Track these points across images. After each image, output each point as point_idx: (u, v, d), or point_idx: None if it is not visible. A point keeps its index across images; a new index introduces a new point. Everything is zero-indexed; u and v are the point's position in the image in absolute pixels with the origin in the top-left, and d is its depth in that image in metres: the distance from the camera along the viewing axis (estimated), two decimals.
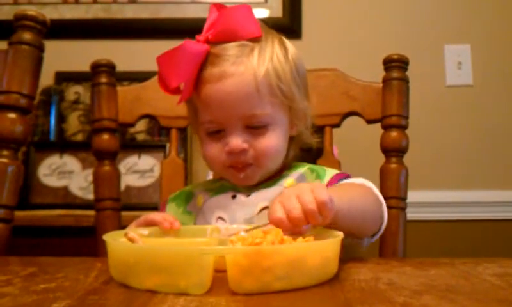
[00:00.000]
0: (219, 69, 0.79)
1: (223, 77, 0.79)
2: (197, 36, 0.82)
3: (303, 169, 0.90)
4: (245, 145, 0.81)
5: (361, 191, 0.81)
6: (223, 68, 0.79)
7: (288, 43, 0.88)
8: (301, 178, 0.88)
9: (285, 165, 0.91)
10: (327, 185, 0.84)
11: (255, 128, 0.82)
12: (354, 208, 0.74)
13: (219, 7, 0.83)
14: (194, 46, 0.80)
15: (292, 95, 0.84)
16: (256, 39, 0.81)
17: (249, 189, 0.87)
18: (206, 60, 0.80)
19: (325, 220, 0.62)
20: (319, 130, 1.06)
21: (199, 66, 0.80)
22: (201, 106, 0.84)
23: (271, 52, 0.82)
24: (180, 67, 0.80)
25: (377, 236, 0.85)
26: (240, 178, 0.84)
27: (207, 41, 0.81)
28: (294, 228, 0.61)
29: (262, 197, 0.85)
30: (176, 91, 0.84)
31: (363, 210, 0.78)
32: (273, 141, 0.83)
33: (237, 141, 0.81)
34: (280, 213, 0.61)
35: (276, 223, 0.61)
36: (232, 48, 0.80)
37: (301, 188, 0.63)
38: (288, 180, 0.87)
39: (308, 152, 0.97)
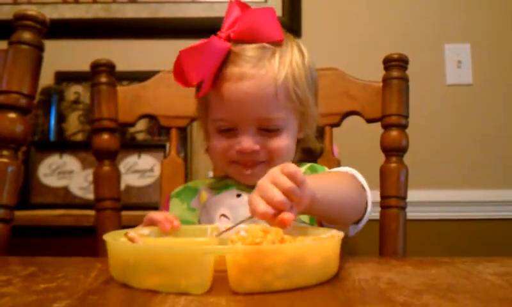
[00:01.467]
0: (240, 69, 0.80)
1: (243, 78, 0.80)
2: (219, 33, 0.82)
3: (303, 168, 0.91)
4: (257, 147, 0.82)
5: (341, 178, 0.82)
6: (243, 69, 0.80)
7: (303, 47, 0.89)
8: None
9: None
10: None
11: (267, 130, 0.83)
12: (332, 193, 0.74)
13: (242, 5, 0.83)
14: (219, 43, 0.80)
15: (306, 101, 0.86)
16: (277, 43, 0.82)
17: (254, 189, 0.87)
18: (227, 58, 0.81)
19: (303, 192, 0.61)
20: (320, 134, 1.06)
21: (220, 64, 0.80)
22: (216, 103, 0.84)
23: (290, 57, 0.83)
24: (203, 63, 0.80)
25: (362, 224, 0.84)
26: (246, 174, 0.85)
27: (228, 39, 0.81)
28: (280, 215, 0.60)
29: None
30: (195, 85, 0.84)
31: (342, 195, 0.77)
32: (285, 143, 0.84)
33: (249, 142, 0.82)
34: (262, 206, 0.60)
35: (262, 216, 0.60)
36: (253, 50, 0.81)
37: (272, 173, 0.62)
38: None
39: (310, 155, 0.97)
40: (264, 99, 0.80)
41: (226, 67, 0.81)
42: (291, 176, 0.60)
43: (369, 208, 0.84)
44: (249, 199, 0.63)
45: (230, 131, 0.84)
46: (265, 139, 0.83)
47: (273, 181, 0.61)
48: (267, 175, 0.63)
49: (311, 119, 0.89)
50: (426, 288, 0.52)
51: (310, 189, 0.63)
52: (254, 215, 0.62)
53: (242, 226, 0.63)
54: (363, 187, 0.84)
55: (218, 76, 0.81)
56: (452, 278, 0.58)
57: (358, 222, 0.84)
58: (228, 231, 0.69)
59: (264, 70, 0.80)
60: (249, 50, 0.81)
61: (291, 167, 0.61)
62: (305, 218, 0.84)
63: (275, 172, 0.62)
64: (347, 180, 0.82)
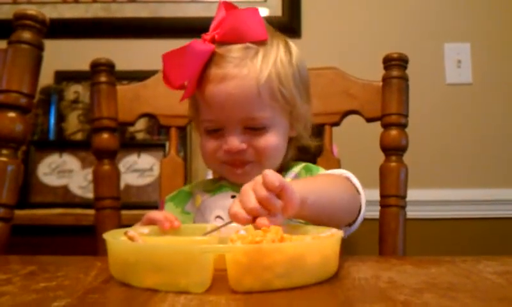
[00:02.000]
0: (223, 70, 0.80)
1: (225, 79, 0.80)
2: (203, 35, 0.82)
3: (298, 168, 0.90)
4: (243, 146, 0.82)
5: (334, 181, 0.82)
6: (226, 70, 0.80)
7: (293, 46, 0.88)
8: (296, 178, 0.88)
9: (283, 166, 0.91)
10: None
11: (253, 129, 0.83)
12: (324, 197, 0.74)
13: (228, 6, 0.83)
14: (201, 46, 0.80)
15: (293, 100, 0.85)
16: (261, 42, 0.82)
17: None
18: (210, 60, 0.81)
19: (287, 198, 0.62)
20: (319, 131, 1.05)
21: (203, 65, 0.81)
22: (202, 104, 0.84)
23: (275, 56, 0.82)
24: (185, 66, 0.80)
25: (355, 226, 0.84)
26: (237, 173, 0.85)
27: (213, 40, 0.81)
28: (254, 219, 0.61)
29: None
30: (181, 87, 0.84)
31: (334, 199, 0.77)
32: (272, 141, 0.84)
33: (235, 142, 0.81)
34: (235, 207, 0.62)
35: (232, 217, 0.62)
36: (236, 51, 0.80)
37: (255, 180, 0.63)
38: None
39: (307, 153, 0.97)
40: (247, 99, 0.80)
41: (210, 68, 0.81)
42: (267, 185, 0.61)
43: (363, 211, 0.83)
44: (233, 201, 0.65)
45: (217, 131, 0.84)
46: (252, 137, 0.83)
47: (253, 188, 0.63)
48: (252, 180, 0.64)
49: (300, 117, 0.88)
50: (426, 287, 0.52)
51: (298, 194, 0.64)
52: (229, 216, 0.63)
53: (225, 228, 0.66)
54: (357, 190, 0.84)
55: (203, 78, 0.81)
56: (452, 277, 0.58)
57: (351, 224, 0.84)
58: (212, 233, 0.70)
59: (245, 70, 0.80)
60: (233, 50, 0.80)
61: (270, 176, 0.61)
62: None
63: (257, 179, 0.63)
64: (340, 183, 0.82)
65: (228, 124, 0.82)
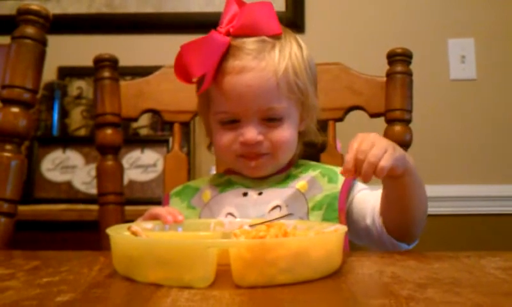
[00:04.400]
0: (241, 62, 0.81)
1: (244, 70, 0.81)
2: (218, 28, 0.83)
3: (315, 172, 0.90)
4: (260, 137, 0.83)
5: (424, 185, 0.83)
6: (244, 62, 0.81)
7: (301, 41, 0.90)
8: (313, 182, 0.88)
9: (291, 161, 0.91)
10: (341, 189, 0.86)
11: (270, 120, 0.83)
12: (419, 186, 0.79)
13: (238, 1, 0.85)
14: (219, 37, 0.81)
15: (307, 92, 0.87)
16: (276, 36, 0.84)
17: (260, 187, 0.87)
18: (227, 52, 0.82)
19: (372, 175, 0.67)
20: (323, 127, 1.05)
21: (221, 58, 0.81)
22: (218, 96, 0.84)
23: (289, 50, 0.84)
24: (205, 56, 0.81)
25: (413, 245, 0.85)
26: (251, 166, 0.85)
27: (228, 34, 0.82)
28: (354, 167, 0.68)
29: (273, 195, 0.86)
30: (190, 80, 0.85)
31: (421, 197, 0.80)
32: (288, 133, 0.85)
33: (252, 133, 0.82)
34: (355, 145, 0.69)
35: (348, 149, 0.69)
36: (253, 43, 0.82)
37: (380, 142, 0.69)
38: (300, 182, 0.88)
39: (312, 147, 0.97)
40: (266, 90, 0.81)
41: (227, 61, 0.82)
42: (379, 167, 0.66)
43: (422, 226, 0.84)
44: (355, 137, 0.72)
45: (232, 123, 0.84)
46: (268, 130, 0.84)
47: (373, 143, 0.68)
48: (375, 138, 0.70)
49: (312, 110, 0.90)
50: (430, 282, 0.52)
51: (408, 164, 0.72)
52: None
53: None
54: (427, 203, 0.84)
55: (219, 70, 0.82)
56: (455, 272, 0.58)
57: (416, 238, 0.85)
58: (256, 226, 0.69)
59: (264, 62, 0.81)
60: (250, 43, 0.82)
61: (387, 161, 0.67)
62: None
63: (382, 144, 0.68)
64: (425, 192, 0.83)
65: (245, 115, 0.83)
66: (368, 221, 0.84)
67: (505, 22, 2.05)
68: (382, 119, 1.08)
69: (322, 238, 0.57)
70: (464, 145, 2.00)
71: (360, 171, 0.67)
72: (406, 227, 0.81)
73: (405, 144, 1.05)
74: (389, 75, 1.07)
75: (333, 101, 1.08)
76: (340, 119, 1.10)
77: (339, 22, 2.08)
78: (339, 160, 1.06)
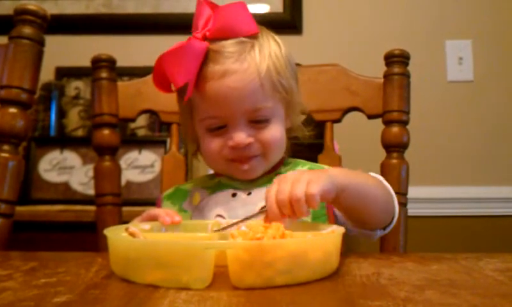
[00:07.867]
0: (222, 66, 0.79)
1: (226, 74, 0.79)
2: (194, 33, 0.82)
3: (303, 169, 0.90)
4: (250, 139, 0.82)
5: (371, 179, 0.82)
6: (226, 66, 0.79)
7: (278, 38, 0.89)
8: None
9: (281, 160, 0.91)
10: None
11: (257, 122, 0.82)
12: (362, 190, 0.76)
13: (211, 4, 0.84)
14: (197, 43, 0.80)
15: (291, 89, 0.86)
16: (253, 36, 0.83)
17: (249, 187, 0.87)
18: (206, 57, 0.80)
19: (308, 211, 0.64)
20: (311, 121, 1.05)
21: (201, 64, 0.80)
22: (202, 103, 0.83)
23: (268, 48, 0.83)
24: (185, 65, 0.79)
25: (389, 229, 0.85)
26: (244, 169, 0.84)
27: (205, 38, 0.81)
28: (280, 211, 0.64)
29: (262, 195, 0.85)
30: (170, 89, 0.85)
31: (371, 195, 0.78)
32: (276, 132, 0.84)
33: (241, 136, 0.81)
34: (272, 191, 0.66)
35: (266, 198, 0.66)
36: (232, 46, 0.80)
37: (299, 176, 0.66)
38: None
39: (299, 145, 0.96)
40: (250, 91, 0.80)
41: (207, 66, 0.80)
42: (308, 197, 0.63)
43: (396, 215, 0.85)
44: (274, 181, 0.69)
45: (220, 129, 0.83)
46: (257, 131, 0.83)
47: (293, 182, 0.65)
48: (298, 173, 0.67)
49: (296, 106, 0.89)
50: (428, 284, 0.52)
51: (336, 181, 0.68)
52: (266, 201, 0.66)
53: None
54: (390, 192, 0.85)
55: (200, 76, 0.80)
56: (453, 274, 0.58)
57: (385, 228, 0.85)
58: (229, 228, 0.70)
59: (246, 63, 0.80)
60: (229, 46, 0.80)
61: (314, 189, 0.64)
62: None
63: (303, 178, 0.65)
64: (378, 184, 0.83)
65: (231, 119, 0.81)
66: (339, 217, 0.84)
67: (502, 24, 2.05)
68: (379, 120, 1.08)
69: (320, 240, 0.57)
70: (461, 147, 2.01)
71: (288, 212, 0.64)
72: (370, 223, 0.82)
73: (402, 146, 1.05)
74: (387, 76, 1.07)
75: (331, 102, 1.08)
76: (338, 121, 1.10)
77: (337, 24, 2.08)
78: (337, 161, 1.06)
